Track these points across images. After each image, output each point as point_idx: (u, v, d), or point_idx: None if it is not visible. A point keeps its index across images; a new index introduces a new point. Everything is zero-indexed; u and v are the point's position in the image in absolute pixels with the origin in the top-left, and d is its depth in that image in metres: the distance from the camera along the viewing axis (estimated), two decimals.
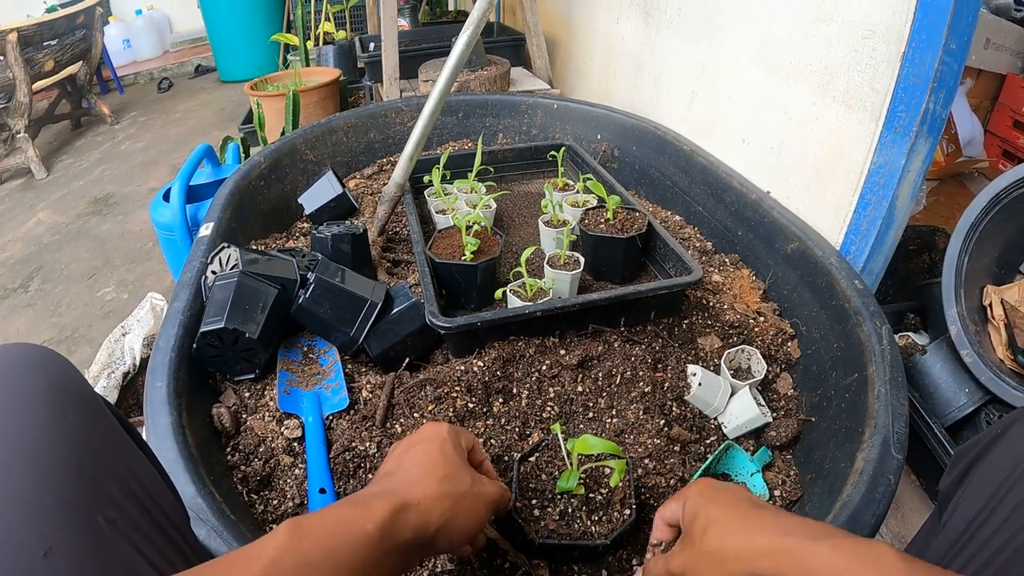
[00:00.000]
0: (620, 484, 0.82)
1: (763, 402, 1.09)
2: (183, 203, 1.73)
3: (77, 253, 2.85)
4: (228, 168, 2.04)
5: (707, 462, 0.96)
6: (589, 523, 0.79)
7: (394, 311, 1.10)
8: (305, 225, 1.60)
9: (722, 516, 0.62)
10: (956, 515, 0.65)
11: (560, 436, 0.83)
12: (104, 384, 1.53)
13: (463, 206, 1.46)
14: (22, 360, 0.55)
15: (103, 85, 5.32)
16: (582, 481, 0.82)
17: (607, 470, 0.84)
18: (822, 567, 0.51)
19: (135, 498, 0.54)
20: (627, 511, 0.79)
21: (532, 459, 0.89)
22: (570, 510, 0.80)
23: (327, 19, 3.76)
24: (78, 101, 4.44)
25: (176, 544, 0.56)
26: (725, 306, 1.24)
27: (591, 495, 0.81)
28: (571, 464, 0.81)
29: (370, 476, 0.92)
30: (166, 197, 1.86)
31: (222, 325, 0.99)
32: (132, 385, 1.60)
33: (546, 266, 1.23)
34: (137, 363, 1.59)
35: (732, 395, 1.08)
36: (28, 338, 2.29)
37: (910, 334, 1.53)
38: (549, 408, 1.02)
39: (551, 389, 1.05)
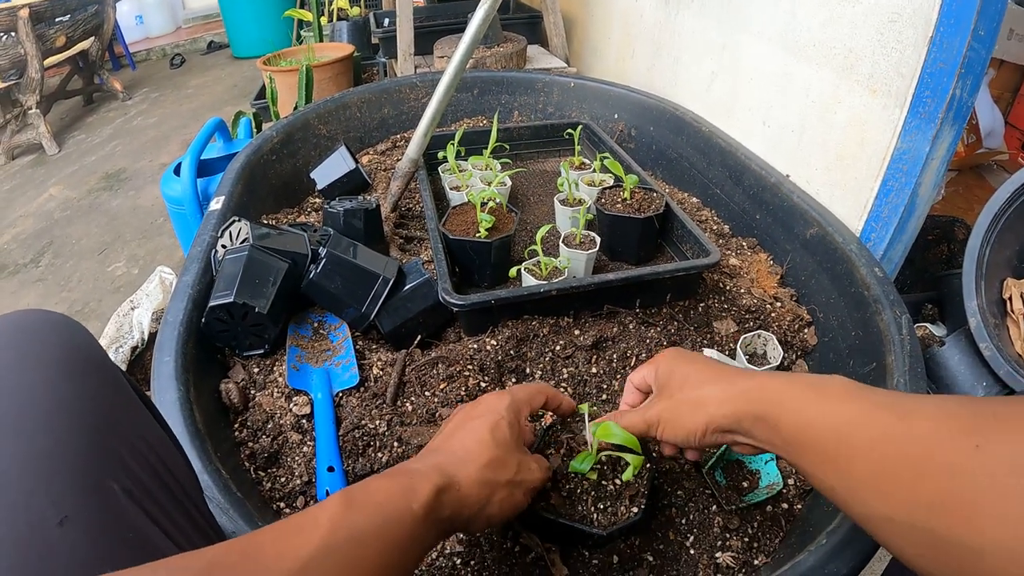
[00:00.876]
0: (634, 480, 0.80)
1: None
2: (194, 177, 1.72)
3: (88, 228, 2.85)
4: (240, 143, 2.03)
5: (721, 448, 0.94)
6: (593, 509, 0.77)
7: (406, 287, 1.09)
8: (317, 200, 1.59)
9: (698, 371, 0.70)
10: None
11: (587, 416, 0.81)
12: (112, 358, 1.52)
13: (478, 183, 1.45)
14: (39, 326, 0.55)
15: (115, 61, 5.32)
16: (597, 467, 0.80)
17: (624, 462, 0.83)
18: (782, 392, 0.60)
19: (150, 467, 0.53)
20: (635, 508, 0.77)
21: (556, 429, 0.87)
22: (579, 491, 0.79)
23: None
24: (90, 77, 4.43)
25: (189, 514, 0.55)
26: (742, 290, 1.23)
27: (603, 482, 0.80)
28: (591, 447, 0.79)
29: (379, 455, 0.91)
30: (177, 171, 1.85)
31: (232, 299, 0.98)
32: (140, 360, 1.59)
33: (561, 245, 1.21)
34: (145, 337, 1.59)
35: None
36: None
37: (928, 325, 1.51)
38: (563, 389, 1.01)
39: (565, 370, 1.03)
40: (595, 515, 0.76)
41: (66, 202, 3.11)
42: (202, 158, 1.79)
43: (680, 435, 0.69)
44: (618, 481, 0.79)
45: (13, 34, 3.50)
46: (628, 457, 0.74)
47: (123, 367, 1.51)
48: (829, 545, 0.71)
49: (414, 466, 0.63)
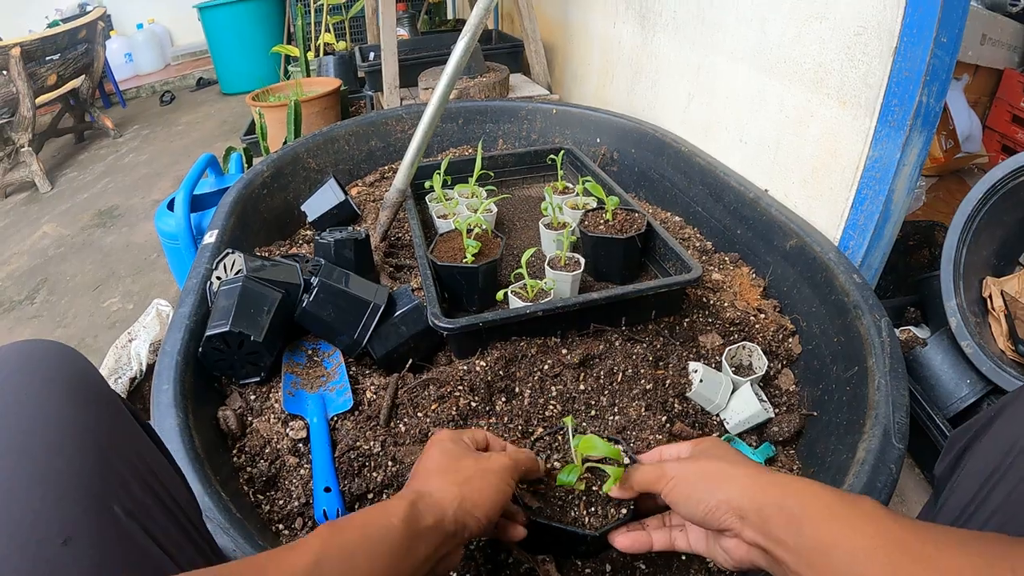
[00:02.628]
0: None
1: (764, 398, 1.10)
2: (187, 212, 1.75)
3: (82, 265, 2.87)
4: (231, 178, 2.06)
5: None
6: (585, 514, 0.79)
7: (397, 313, 1.12)
8: (308, 232, 1.62)
9: (736, 454, 0.69)
10: (951, 501, 0.65)
11: (570, 429, 0.84)
12: None
13: (464, 210, 1.48)
14: (42, 354, 0.57)
15: (106, 99, 5.36)
16: (585, 478, 0.83)
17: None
18: (815, 496, 0.58)
19: (151, 490, 0.55)
20: (624, 510, 0.78)
21: (543, 440, 0.90)
22: (570, 498, 0.81)
23: (327, 30, 3.79)
24: (81, 115, 4.46)
25: (190, 535, 0.57)
26: (725, 304, 1.25)
27: (593, 489, 0.82)
28: (576, 460, 0.81)
29: (374, 475, 0.93)
30: (170, 207, 1.88)
31: (227, 328, 1.01)
32: (139, 391, 1.61)
33: (547, 267, 1.24)
34: (143, 369, 1.61)
35: (733, 392, 1.09)
36: None
37: (911, 328, 1.53)
38: (552, 407, 1.03)
39: (553, 388, 1.06)
40: (586, 518, 0.78)
41: (60, 239, 3.13)
42: (195, 193, 1.82)
43: (690, 503, 0.65)
44: (601, 500, 0.81)
45: (5, 73, 3.53)
46: (608, 469, 0.76)
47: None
48: None
49: (389, 499, 0.69)
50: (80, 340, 2.34)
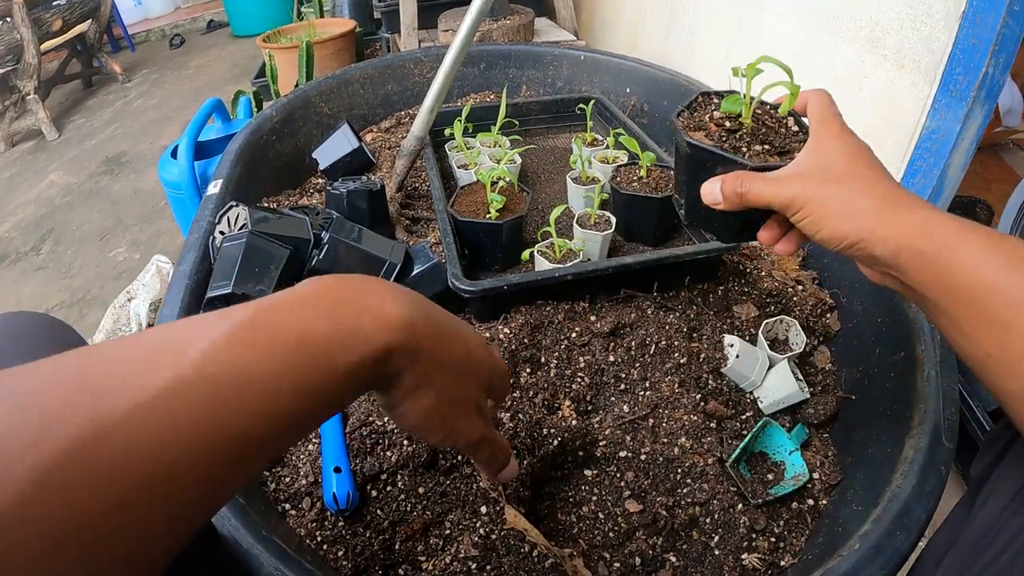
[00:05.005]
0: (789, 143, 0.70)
1: (800, 377, 1.02)
2: (191, 160, 1.68)
3: (89, 214, 2.82)
4: (239, 123, 1.98)
5: (745, 440, 0.90)
6: (746, 150, 0.68)
7: (414, 273, 1.05)
8: (320, 181, 1.54)
9: (865, 172, 0.60)
10: (988, 503, 0.60)
11: (741, 74, 0.71)
12: None
13: (486, 161, 1.39)
14: (28, 326, 0.56)
15: (114, 43, 5.25)
16: (756, 116, 0.71)
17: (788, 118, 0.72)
18: (960, 235, 0.53)
19: None
20: (788, 159, 0.66)
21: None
22: (737, 133, 0.71)
23: None
24: (89, 60, 4.38)
25: None
26: (763, 273, 1.18)
27: (758, 134, 0.70)
28: (744, 96, 0.70)
29: (388, 454, 0.86)
30: (174, 154, 1.80)
31: (230, 290, 0.93)
32: None
33: (575, 225, 1.16)
34: (144, 329, 1.55)
35: (769, 368, 1.01)
36: (41, 302, 2.29)
37: None
38: (579, 379, 0.96)
39: (581, 358, 0.98)
40: (747, 153, 0.68)
41: (67, 188, 3.07)
42: (200, 140, 1.74)
43: (822, 234, 0.60)
44: (771, 138, 0.71)
45: (8, 20, 3.45)
46: (784, 85, 0.68)
47: None
48: (862, 550, 0.67)
49: None
50: (86, 291, 2.29)
